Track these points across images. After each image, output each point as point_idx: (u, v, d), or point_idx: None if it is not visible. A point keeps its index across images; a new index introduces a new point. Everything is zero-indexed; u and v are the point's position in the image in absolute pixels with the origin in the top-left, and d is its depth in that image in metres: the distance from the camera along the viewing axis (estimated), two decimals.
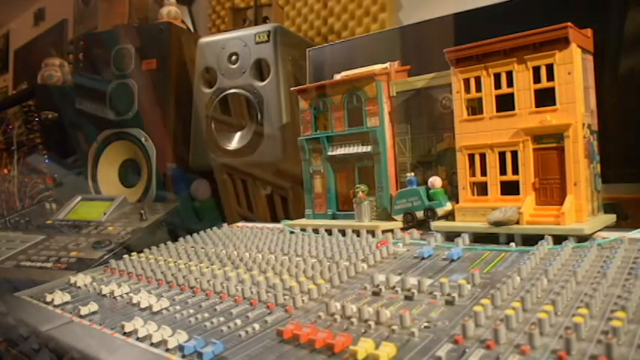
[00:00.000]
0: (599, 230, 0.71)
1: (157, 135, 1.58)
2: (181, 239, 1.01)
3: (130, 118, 1.61)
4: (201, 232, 1.04)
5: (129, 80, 1.62)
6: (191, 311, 0.61)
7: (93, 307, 0.66)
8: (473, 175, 0.80)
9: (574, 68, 0.71)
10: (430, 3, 1.46)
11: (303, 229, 0.98)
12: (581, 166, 0.71)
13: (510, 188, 0.77)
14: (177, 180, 1.54)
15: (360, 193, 0.93)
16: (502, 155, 0.77)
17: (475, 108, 0.81)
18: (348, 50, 1.29)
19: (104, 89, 1.65)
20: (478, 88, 0.79)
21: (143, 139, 1.58)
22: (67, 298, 0.73)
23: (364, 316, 0.51)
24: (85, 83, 1.71)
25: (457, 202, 0.83)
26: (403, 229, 0.86)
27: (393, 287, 0.59)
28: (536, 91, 0.74)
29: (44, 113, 1.95)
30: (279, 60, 1.32)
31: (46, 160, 1.94)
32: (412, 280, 0.58)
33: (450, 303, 0.52)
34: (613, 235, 0.67)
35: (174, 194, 1.51)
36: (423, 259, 0.70)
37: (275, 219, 1.37)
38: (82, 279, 0.82)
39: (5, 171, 2.05)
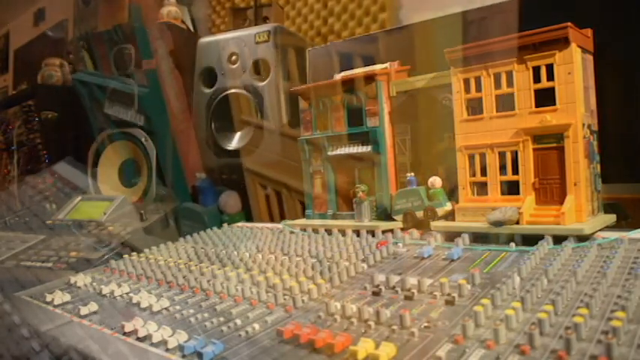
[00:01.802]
0: (599, 230, 0.71)
1: (156, 135, 1.58)
2: (181, 239, 1.01)
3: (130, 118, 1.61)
4: (201, 232, 1.04)
5: (129, 80, 1.62)
6: (191, 311, 0.61)
7: (93, 307, 0.66)
8: (473, 175, 0.80)
9: (574, 68, 0.71)
10: (430, 3, 1.46)
11: (303, 229, 0.98)
12: (581, 166, 0.71)
13: (510, 188, 0.77)
14: (206, 192, 1.48)
15: (360, 193, 0.93)
16: (502, 155, 0.77)
17: (475, 108, 0.81)
18: (348, 50, 1.29)
19: (103, 89, 1.65)
20: (478, 88, 0.79)
21: (143, 139, 1.58)
22: (67, 298, 0.73)
23: (364, 316, 0.51)
24: (86, 82, 1.71)
25: (457, 202, 0.83)
26: (403, 229, 0.86)
27: (393, 287, 0.59)
28: (536, 91, 0.74)
29: (44, 113, 1.94)
30: (279, 60, 1.32)
31: (46, 160, 1.94)
32: (412, 280, 0.58)
33: (450, 303, 0.52)
34: (613, 235, 0.67)
35: (202, 206, 1.45)
36: (423, 259, 0.70)
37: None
38: (82, 279, 0.82)
39: (5, 171, 2.05)
